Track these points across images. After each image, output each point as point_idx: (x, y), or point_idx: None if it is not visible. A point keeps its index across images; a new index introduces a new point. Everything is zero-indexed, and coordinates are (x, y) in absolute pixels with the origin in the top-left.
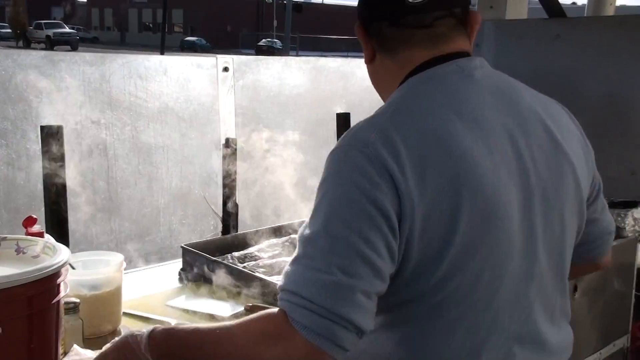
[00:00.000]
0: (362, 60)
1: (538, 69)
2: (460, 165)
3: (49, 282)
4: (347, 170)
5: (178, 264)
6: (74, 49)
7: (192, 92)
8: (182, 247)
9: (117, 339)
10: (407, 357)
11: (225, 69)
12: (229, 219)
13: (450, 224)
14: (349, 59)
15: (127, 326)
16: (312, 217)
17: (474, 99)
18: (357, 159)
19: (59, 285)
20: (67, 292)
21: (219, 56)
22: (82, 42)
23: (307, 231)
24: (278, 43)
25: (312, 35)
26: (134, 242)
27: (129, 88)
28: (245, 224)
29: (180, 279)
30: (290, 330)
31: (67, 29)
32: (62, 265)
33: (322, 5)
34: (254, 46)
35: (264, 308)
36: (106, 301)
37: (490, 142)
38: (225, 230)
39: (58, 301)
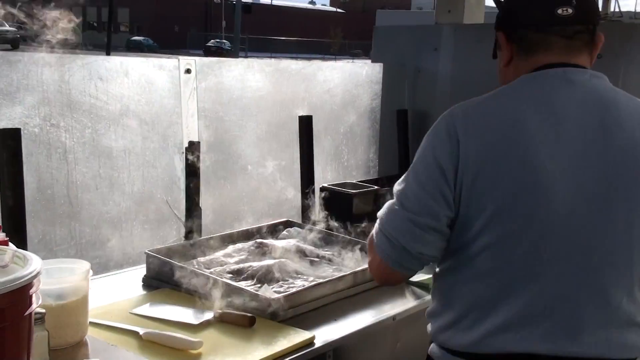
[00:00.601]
0: (324, 64)
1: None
2: (519, 142)
3: (21, 293)
4: (431, 134)
5: (141, 270)
6: (14, 47)
7: (154, 95)
8: (145, 253)
9: None
10: (441, 298)
11: (188, 71)
12: (192, 223)
13: (493, 186)
14: (311, 62)
15: (94, 336)
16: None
17: (561, 95)
18: (440, 125)
19: (31, 296)
20: (39, 303)
21: (181, 58)
22: (24, 41)
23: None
24: (227, 44)
25: (262, 36)
26: (95, 248)
27: (90, 90)
28: (208, 228)
29: (144, 286)
30: (374, 250)
31: (7, 27)
32: (35, 276)
33: (272, 6)
34: (202, 47)
35: (235, 315)
36: (73, 311)
37: (560, 129)
38: (188, 235)
39: (30, 313)
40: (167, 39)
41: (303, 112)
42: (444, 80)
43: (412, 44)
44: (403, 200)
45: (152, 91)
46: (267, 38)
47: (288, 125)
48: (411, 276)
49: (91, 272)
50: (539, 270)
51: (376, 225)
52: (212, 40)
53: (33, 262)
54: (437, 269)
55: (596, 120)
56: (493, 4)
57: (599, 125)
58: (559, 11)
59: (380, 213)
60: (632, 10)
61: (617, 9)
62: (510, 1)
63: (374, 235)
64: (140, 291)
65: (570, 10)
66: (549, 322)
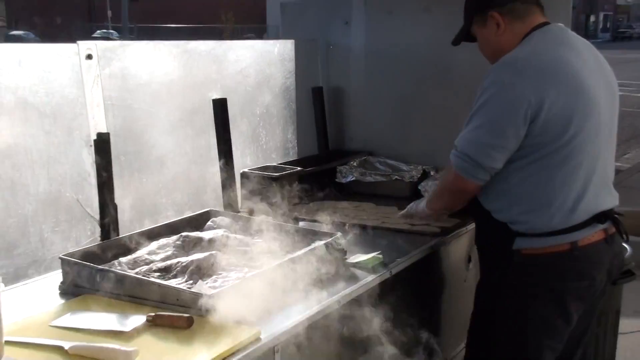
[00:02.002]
0: (235, 43)
1: (410, 44)
2: (574, 74)
3: None
4: (500, 80)
5: (56, 277)
6: None
7: (53, 84)
8: (60, 258)
9: None
10: (531, 192)
11: (89, 57)
12: (108, 222)
13: (570, 111)
14: (220, 42)
15: (11, 357)
16: (478, 110)
17: (570, 39)
18: (506, 74)
19: None
20: None
21: (80, 42)
22: None
23: (475, 119)
24: (115, 34)
25: (151, 24)
26: (0, 256)
27: None
28: (126, 226)
29: (62, 294)
30: (452, 170)
31: None
32: None
33: None
34: (88, 38)
35: (170, 317)
36: None
37: (582, 58)
38: (105, 234)
39: None
40: (49, 31)
41: (217, 95)
42: (358, 55)
43: (322, 18)
44: (480, 132)
45: (51, 80)
46: (156, 26)
47: (202, 109)
48: (481, 186)
49: (2, 285)
50: (592, 155)
51: (455, 155)
52: (98, 31)
53: None
54: (506, 170)
55: (592, 54)
56: None
57: (595, 57)
58: None
59: (457, 141)
60: None
61: None
62: None
63: (450, 159)
64: (58, 300)
65: None
66: (599, 188)
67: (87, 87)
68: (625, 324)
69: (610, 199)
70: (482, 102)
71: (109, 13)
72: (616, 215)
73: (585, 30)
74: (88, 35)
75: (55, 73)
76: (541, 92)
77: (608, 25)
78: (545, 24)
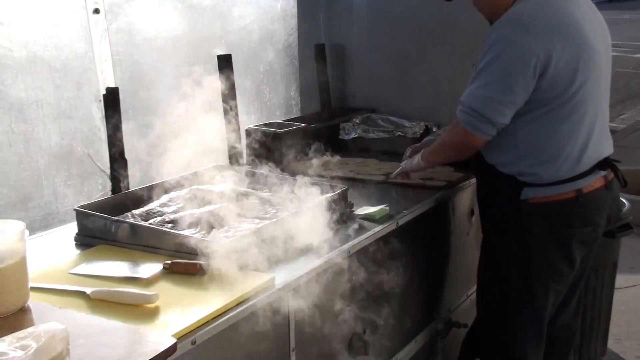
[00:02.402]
0: None
1: (413, 0)
2: (577, 27)
3: None
4: (505, 38)
5: (70, 228)
6: None
7: (62, 39)
8: (75, 209)
9: None
10: (539, 144)
11: (96, 11)
12: (119, 176)
13: (575, 63)
14: None
15: (36, 301)
16: (486, 67)
17: None
18: (512, 30)
19: None
20: None
21: None
22: None
23: (482, 76)
24: None
25: None
26: (15, 209)
27: None
28: (135, 179)
29: (78, 245)
30: (457, 123)
31: None
32: None
33: None
34: None
35: (186, 264)
36: (12, 275)
37: (582, 9)
38: (115, 188)
39: None
40: None
41: (221, 51)
42: (360, 12)
43: None
44: (489, 89)
45: (60, 35)
46: None
47: (207, 65)
48: (487, 141)
49: (27, 232)
50: (595, 104)
51: (462, 110)
52: None
53: None
54: (513, 124)
55: (587, 3)
56: None
57: (590, 7)
58: None
59: (464, 98)
60: None
61: None
62: None
63: (457, 115)
64: (74, 250)
65: None
66: (600, 135)
67: (95, 42)
68: (620, 279)
69: (609, 145)
70: (490, 59)
71: None
72: (614, 162)
73: None
74: None
75: (64, 27)
76: (549, 48)
77: None
78: None
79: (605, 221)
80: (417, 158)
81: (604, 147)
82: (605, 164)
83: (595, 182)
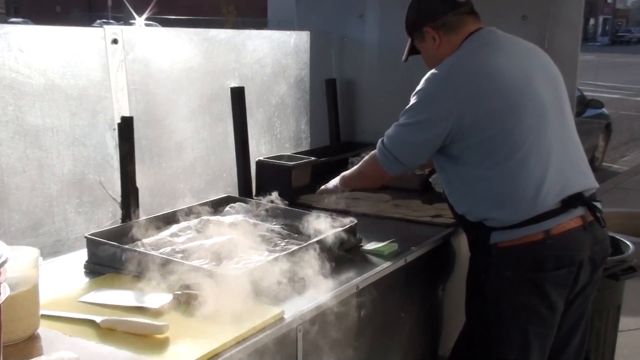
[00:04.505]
0: (253, 32)
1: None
2: (497, 72)
3: None
4: (427, 90)
5: (80, 256)
6: None
7: (79, 67)
8: (86, 237)
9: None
10: (490, 189)
11: (115, 41)
12: (129, 204)
13: (497, 111)
14: (239, 31)
15: (46, 329)
16: (406, 112)
17: (499, 39)
18: (431, 86)
19: None
20: (7, 294)
21: (107, 27)
22: None
23: (402, 119)
24: (115, 24)
25: (151, 15)
26: (26, 235)
27: (9, 63)
28: (146, 209)
29: (87, 272)
30: (376, 162)
31: None
32: (3, 264)
33: None
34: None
35: (195, 295)
36: (24, 302)
37: (506, 54)
38: (126, 217)
39: None
40: (49, 20)
41: (234, 84)
42: (371, 49)
43: (337, 10)
44: (405, 130)
45: (78, 63)
46: (162, 17)
47: (220, 97)
48: (392, 175)
49: (41, 259)
50: (541, 140)
51: (379, 146)
52: (98, 21)
53: None
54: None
55: (522, 47)
56: None
57: (526, 49)
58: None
59: (387, 132)
60: None
61: None
62: (421, 5)
63: (377, 146)
64: (84, 278)
65: None
66: (563, 170)
67: (112, 71)
68: (623, 322)
69: (581, 179)
70: (414, 103)
71: (109, 2)
72: (594, 203)
73: (584, 33)
74: (87, 25)
75: (82, 56)
76: (463, 101)
77: (607, 29)
78: (479, 29)
79: (588, 263)
80: (336, 181)
81: (573, 180)
82: (580, 201)
83: (568, 222)
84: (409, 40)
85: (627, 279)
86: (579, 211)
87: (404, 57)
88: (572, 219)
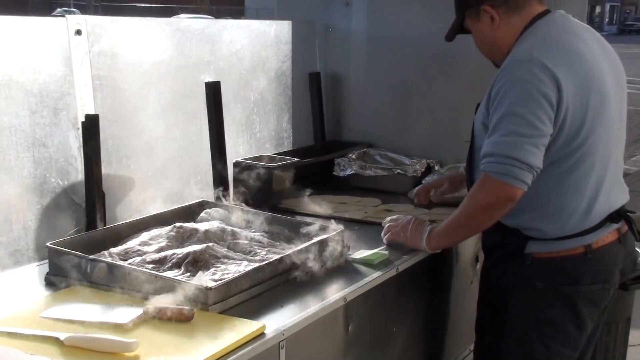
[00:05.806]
0: (229, 22)
1: (415, 29)
2: (586, 67)
3: None
4: (524, 78)
5: (41, 267)
6: None
7: (40, 61)
8: (47, 246)
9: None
10: (542, 198)
11: (78, 32)
12: (95, 210)
13: (584, 108)
14: (214, 20)
15: (5, 347)
16: (498, 106)
17: (574, 27)
18: (528, 67)
19: None
20: None
21: (69, 17)
22: None
23: (496, 116)
24: (77, 12)
25: (116, 3)
26: None
27: None
28: (114, 215)
29: (48, 285)
30: (487, 178)
31: None
32: None
33: None
34: (47, 15)
35: (170, 310)
36: None
37: (589, 48)
38: (91, 224)
39: None
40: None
41: (209, 78)
42: (358, 39)
43: None
44: (518, 129)
45: (38, 56)
46: (122, 5)
47: (194, 93)
48: (524, 190)
49: None
50: (604, 154)
51: (486, 160)
52: (58, 9)
53: None
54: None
55: (596, 40)
56: None
57: (599, 44)
58: None
59: (487, 149)
60: None
61: None
62: None
63: (485, 169)
64: (45, 291)
65: None
66: (611, 186)
67: (76, 65)
68: (633, 335)
69: (622, 196)
70: (509, 103)
71: None
72: (628, 213)
73: (589, 22)
74: (47, 14)
75: (43, 49)
76: (561, 87)
77: (614, 17)
78: (546, 12)
79: (618, 278)
80: (422, 244)
81: (617, 198)
82: (618, 215)
83: (607, 236)
84: (457, 18)
85: (637, 289)
86: (617, 224)
87: (447, 34)
88: (610, 232)
